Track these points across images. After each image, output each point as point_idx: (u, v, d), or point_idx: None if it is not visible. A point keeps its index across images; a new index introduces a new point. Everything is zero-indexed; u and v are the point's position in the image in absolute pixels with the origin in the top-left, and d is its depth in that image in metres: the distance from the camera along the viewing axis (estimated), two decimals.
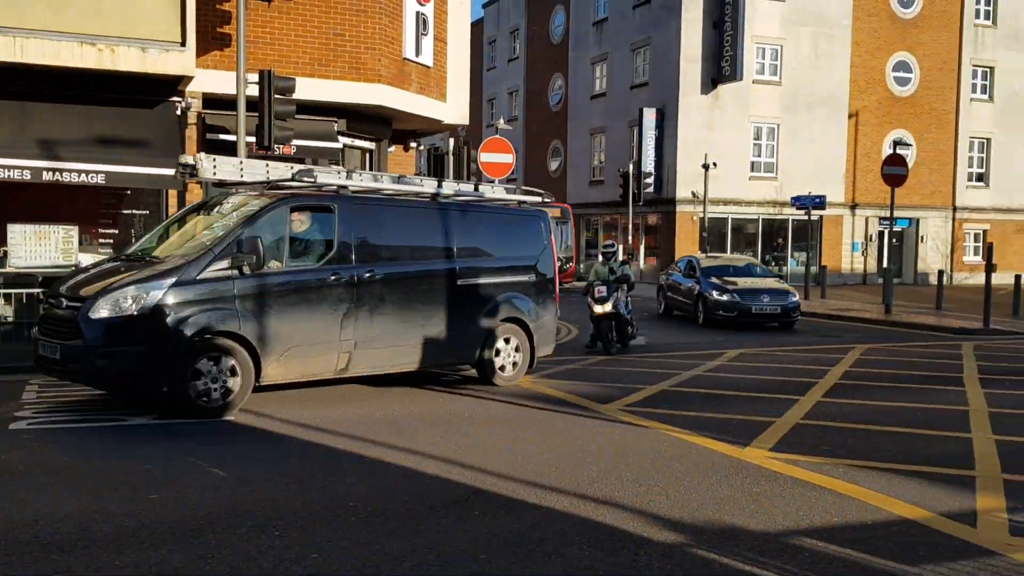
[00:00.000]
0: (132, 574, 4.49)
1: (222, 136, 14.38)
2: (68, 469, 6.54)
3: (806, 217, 30.56)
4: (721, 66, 33.14)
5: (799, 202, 29.43)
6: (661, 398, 10.02)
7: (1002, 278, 35.04)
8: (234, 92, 13.17)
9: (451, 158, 26.15)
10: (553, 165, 43.58)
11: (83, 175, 12.31)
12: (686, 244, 32.95)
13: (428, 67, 16.91)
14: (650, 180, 31.03)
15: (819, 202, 28.78)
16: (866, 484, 6.44)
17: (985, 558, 4.97)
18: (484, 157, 17.65)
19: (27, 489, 5.97)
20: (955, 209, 38.16)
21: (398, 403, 9.43)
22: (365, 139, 17.15)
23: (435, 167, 23.07)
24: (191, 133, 14.26)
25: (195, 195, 14.34)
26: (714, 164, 31.08)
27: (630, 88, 36.75)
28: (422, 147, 22.66)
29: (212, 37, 14.19)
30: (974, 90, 38.24)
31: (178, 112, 13.99)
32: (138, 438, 7.66)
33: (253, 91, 13.16)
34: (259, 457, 7.05)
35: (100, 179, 12.46)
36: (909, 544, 5.18)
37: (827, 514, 5.74)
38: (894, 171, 21.45)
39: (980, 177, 38.83)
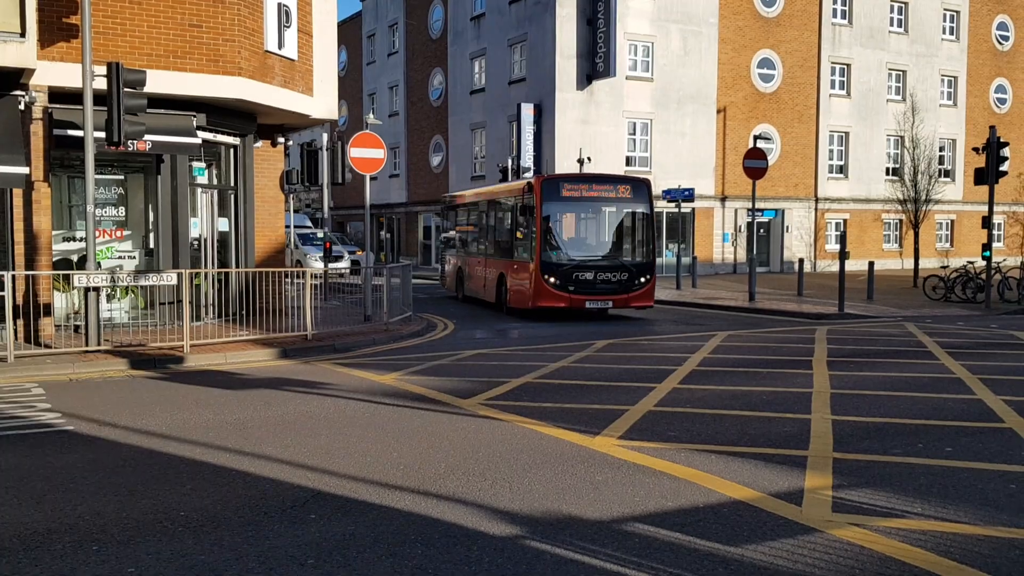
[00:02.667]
0: None
1: (71, 132, 13.65)
2: None
3: (677, 209, 31.42)
4: (595, 62, 33.68)
5: (669, 195, 30.21)
6: (523, 391, 10.08)
7: (861, 265, 36.93)
8: (82, 86, 12.54)
9: (326, 153, 25.78)
10: (435, 160, 43.42)
11: None
12: None
13: (293, 60, 16.51)
14: (529, 174, 31.30)
15: (688, 195, 29.61)
16: (703, 467, 6.64)
17: (805, 535, 5.18)
18: (355, 152, 17.40)
19: None
20: (817, 200, 39.96)
21: (253, 406, 9.18)
22: (228, 134, 16.62)
23: (309, 162, 22.67)
24: (36, 129, 13.49)
25: (41, 194, 13.60)
26: (588, 158, 31.51)
27: (508, 83, 36.94)
28: (291, 142, 22.13)
29: (58, 28, 13.45)
30: (832, 86, 40.12)
31: (21, 107, 13.22)
32: None
33: (102, 84, 12.56)
34: (90, 468, 6.72)
35: None
36: (736, 525, 5.36)
37: (662, 499, 5.88)
38: (754, 164, 22.27)
39: (840, 169, 40.78)
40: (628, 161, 35.22)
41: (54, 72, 13.41)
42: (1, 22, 12.23)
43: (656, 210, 37.52)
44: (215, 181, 17.02)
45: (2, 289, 12.00)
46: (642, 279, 18.54)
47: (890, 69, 41.42)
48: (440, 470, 6.60)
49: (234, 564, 4.70)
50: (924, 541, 5.07)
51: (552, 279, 18.05)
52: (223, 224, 17.15)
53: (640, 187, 19.15)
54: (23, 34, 12.36)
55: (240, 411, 8.90)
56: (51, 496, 5.94)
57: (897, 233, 42.29)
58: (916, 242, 29.68)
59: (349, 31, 51.71)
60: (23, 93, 13.22)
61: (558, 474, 6.49)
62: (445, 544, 5.02)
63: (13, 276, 12.39)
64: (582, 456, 7.03)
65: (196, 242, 16.29)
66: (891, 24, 41.41)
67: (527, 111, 34.21)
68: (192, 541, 5.05)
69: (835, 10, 39.80)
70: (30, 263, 13.42)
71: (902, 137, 32.73)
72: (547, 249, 18.23)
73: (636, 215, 19.16)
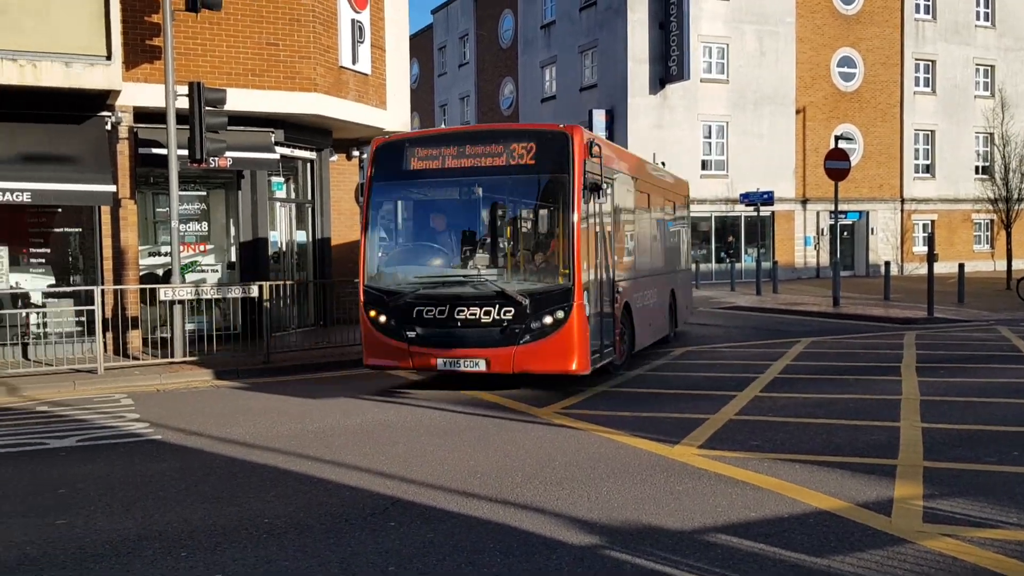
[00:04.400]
0: None
1: (155, 150, 14.13)
2: None
3: (756, 213, 30.85)
4: (668, 66, 33.36)
5: (748, 199, 29.69)
6: (599, 399, 10.00)
7: (950, 267, 35.67)
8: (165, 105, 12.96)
9: None
10: None
11: (7, 194, 12.02)
12: None
13: (366, 75, 16.77)
14: None
15: (767, 198, 29.05)
16: (788, 477, 6.46)
17: (895, 546, 4.98)
18: None
19: None
20: (903, 200, 38.75)
21: (332, 416, 9.31)
22: (305, 149, 16.97)
23: None
24: (122, 148, 13.99)
25: (128, 211, 14.09)
26: (663, 163, 31.18)
27: (579, 90, 36.87)
28: (365, 155, 22.45)
29: (141, 50, 13.94)
30: (917, 83, 38.89)
31: (107, 127, 13.73)
32: (57, 461, 7.47)
33: (184, 104, 12.95)
34: (178, 476, 6.89)
35: (25, 197, 12.17)
36: (822, 536, 5.19)
37: (745, 509, 5.73)
38: (836, 165, 21.70)
39: (927, 168, 39.48)
40: (704, 165, 34.74)
41: (139, 93, 13.89)
42: (88, 46, 12.72)
43: (734, 214, 38.07)
44: (293, 195, 17.39)
45: (92, 303, 12.45)
46: (546, 318, 9.76)
47: (977, 64, 39.95)
48: (517, 479, 6.57)
49: (318, 570, 4.75)
50: (1021, 552, 4.83)
51: (383, 318, 10.38)
52: (301, 236, 17.51)
53: (555, 143, 10.08)
54: (109, 57, 12.83)
55: (320, 420, 9.03)
56: (141, 503, 6.11)
57: (988, 234, 40.71)
58: (1008, 243, 28.51)
59: (420, 44, 52.36)
60: (109, 114, 13.72)
61: (637, 483, 6.40)
62: (524, 553, 4.99)
63: (102, 290, 12.85)
64: (661, 465, 6.91)
65: (276, 255, 16.66)
66: (977, 18, 39.94)
67: (599, 117, 34.06)
68: (276, 547, 5.12)
69: (918, 5, 38.63)
70: (118, 278, 13.91)
71: (991, 134, 31.56)
72: (375, 264, 10.81)
73: (548, 194, 10.15)
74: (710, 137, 34.94)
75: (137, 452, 7.77)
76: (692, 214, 34.91)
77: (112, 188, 13.11)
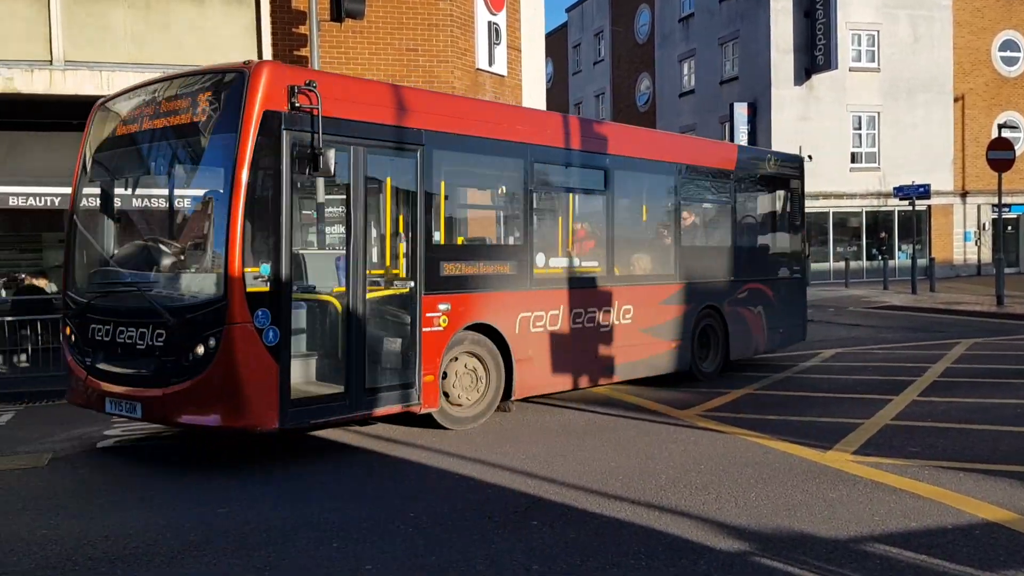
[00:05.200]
0: None
1: None
2: (147, 486, 6.77)
3: (911, 208, 29.30)
4: (815, 55, 32.13)
5: (902, 192, 28.23)
6: (744, 402, 9.72)
7: None
8: None
9: None
10: None
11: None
12: None
13: (503, 76, 16.94)
14: None
15: (923, 191, 27.53)
16: (950, 486, 6.07)
17: None
18: None
19: (104, 505, 6.21)
20: None
21: None
22: None
23: None
24: None
25: None
26: (809, 157, 30.07)
27: (719, 83, 36.03)
28: None
29: (290, 61, 14.56)
30: None
31: None
32: (222, 455, 7.86)
33: None
34: (334, 471, 7.14)
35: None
36: (990, 548, 4.85)
37: (904, 518, 5.42)
38: (999, 156, 20.34)
39: None
40: (854, 157, 33.27)
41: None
42: (242, 57, 13.38)
43: (887, 209, 36.33)
44: None
45: None
46: (198, 347, 6.71)
47: None
48: (661, 481, 6.46)
49: (463, 566, 4.80)
50: None
51: (71, 336, 7.90)
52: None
53: (225, 90, 6.99)
54: None
55: None
56: (299, 497, 6.36)
57: None
58: None
59: (555, 43, 52.51)
60: None
61: (787, 489, 6.16)
62: (669, 557, 4.89)
63: None
64: (813, 471, 6.64)
65: None
66: None
67: (740, 110, 33.18)
68: (423, 542, 5.22)
69: None
70: None
71: None
72: (78, 263, 8.20)
73: (213, 163, 7.31)
74: (860, 128, 33.43)
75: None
76: (840, 208, 33.73)
77: None
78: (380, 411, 7.69)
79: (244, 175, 6.67)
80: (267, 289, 6.77)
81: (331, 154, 6.94)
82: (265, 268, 6.81)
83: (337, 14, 13.30)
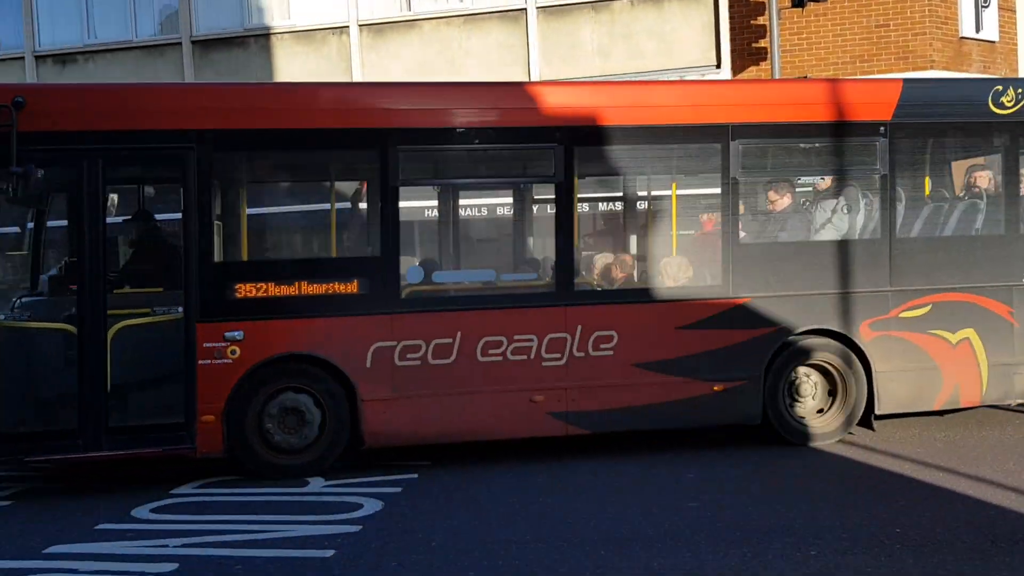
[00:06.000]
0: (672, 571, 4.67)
1: None
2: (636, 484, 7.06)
3: None
4: None
5: None
6: None
7: None
8: None
9: None
10: None
11: None
12: None
13: (993, 42, 14.95)
14: None
15: None
16: None
17: None
18: None
19: (594, 500, 6.59)
20: None
21: (963, 425, 8.34)
22: None
23: None
24: None
25: None
26: None
27: None
28: None
29: (748, 54, 14.38)
30: None
31: None
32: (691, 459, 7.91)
33: None
34: (804, 475, 6.82)
35: None
36: None
37: None
38: None
39: None
40: None
41: None
42: (699, 58, 13.53)
43: None
44: None
45: None
46: None
47: None
48: None
49: None
50: None
51: None
52: None
53: None
54: (719, 65, 13.46)
55: (949, 429, 8.17)
56: (765, 497, 6.17)
57: None
58: None
59: None
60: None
61: None
62: None
63: None
64: None
65: None
66: None
67: None
68: (911, 559, 4.71)
69: None
70: None
71: None
72: None
73: None
74: None
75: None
76: None
77: None
78: (131, 453, 6.71)
79: None
80: None
81: (34, 171, 6.22)
82: None
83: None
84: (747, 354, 7.37)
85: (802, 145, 7.92)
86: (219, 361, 6.70)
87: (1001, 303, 7.68)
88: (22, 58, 15.66)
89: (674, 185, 8.10)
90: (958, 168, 8.50)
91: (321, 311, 6.91)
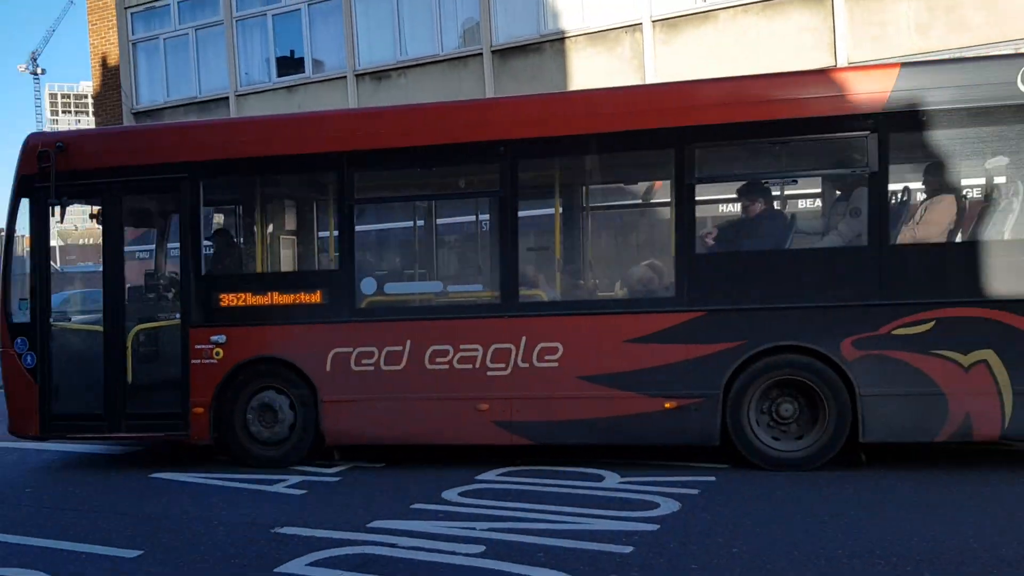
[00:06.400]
0: None
1: None
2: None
3: None
4: None
5: None
6: None
7: None
8: None
9: None
10: None
11: None
12: None
13: None
14: None
15: None
16: None
17: None
18: None
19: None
20: None
21: None
22: None
23: None
24: None
25: None
26: None
27: None
28: None
29: None
30: None
31: None
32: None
33: None
34: None
35: None
36: None
37: None
38: None
39: None
40: None
41: None
42: None
43: None
44: None
45: None
46: None
47: None
48: None
49: None
50: None
51: None
52: None
53: None
54: None
55: None
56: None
57: None
58: None
59: None
60: None
61: None
62: None
63: None
64: None
65: None
66: None
67: None
68: None
69: None
70: None
71: None
72: None
73: None
74: None
75: None
76: None
77: None
78: (143, 436, 8.12)
79: (5, 230, 8.33)
80: (27, 322, 8.05)
81: (67, 202, 8.08)
82: (24, 305, 8.12)
83: None
84: (703, 370, 6.91)
85: (771, 145, 7.22)
86: (206, 361, 7.77)
87: (1009, 316, 6.51)
88: (344, 78, 17.33)
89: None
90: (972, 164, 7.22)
91: (289, 319, 7.72)
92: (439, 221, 9.24)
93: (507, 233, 7.38)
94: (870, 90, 6.69)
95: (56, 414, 8.05)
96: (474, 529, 5.64)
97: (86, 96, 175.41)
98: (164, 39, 19.18)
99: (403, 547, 5.33)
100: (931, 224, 6.86)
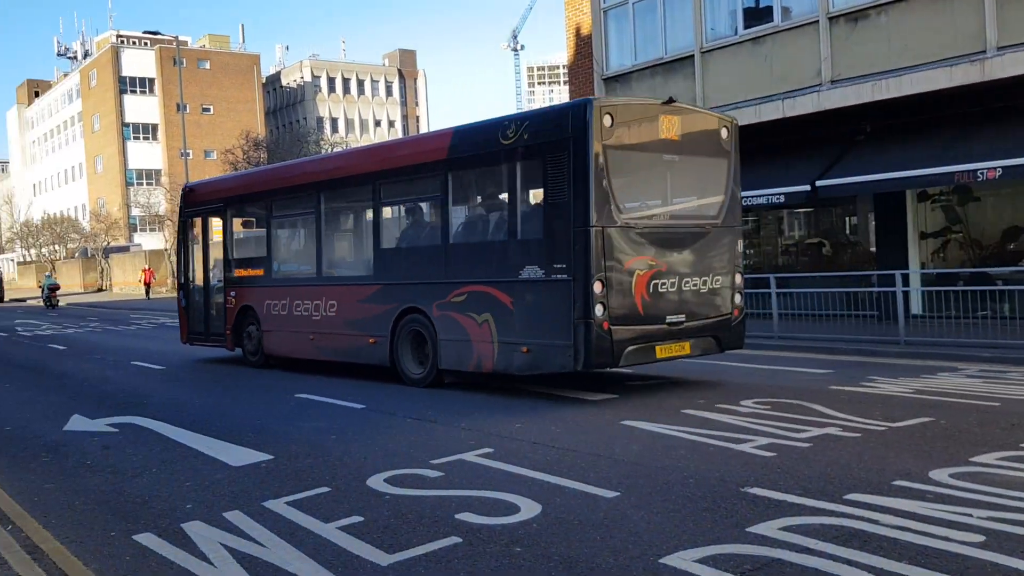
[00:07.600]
0: None
1: None
2: None
3: None
4: None
5: None
6: None
7: None
8: None
9: None
10: None
11: None
12: None
13: None
14: None
15: None
16: None
17: None
18: None
19: None
20: None
21: None
22: None
23: None
24: None
25: None
26: None
27: None
28: None
29: None
30: None
31: None
32: None
33: None
34: None
35: None
36: None
37: None
38: None
39: None
40: None
41: None
42: None
43: None
44: None
45: None
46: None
47: None
48: None
49: None
50: None
51: None
52: None
53: None
54: None
55: None
56: None
57: None
58: None
59: None
60: None
61: None
62: None
63: None
64: None
65: None
66: None
67: None
68: None
69: None
70: None
71: None
72: None
73: None
74: None
75: None
76: None
77: None
78: (216, 345, 15.62)
79: (179, 234, 18.07)
80: (182, 282, 16.56)
81: (196, 223, 16.38)
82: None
83: None
84: (382, 321, 11.57)
85: (410, 180, 11.81)
86: (231, 306, 14.85)
87: (506, 294, 9.94)
88: (815, 22, 16.33)
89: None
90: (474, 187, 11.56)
91: (255, 284, 14.46)
92: (301, 230, 14.60)
93: (319, 239, 13.08)
94: (439, 146, 10.98)
95: (191, 332, 16.05)
96: (971, 516, 4.98)
97: (558, 67, 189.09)
98: (633, 3, 19.74)
99: (885, 524, 4.88)
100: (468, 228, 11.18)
